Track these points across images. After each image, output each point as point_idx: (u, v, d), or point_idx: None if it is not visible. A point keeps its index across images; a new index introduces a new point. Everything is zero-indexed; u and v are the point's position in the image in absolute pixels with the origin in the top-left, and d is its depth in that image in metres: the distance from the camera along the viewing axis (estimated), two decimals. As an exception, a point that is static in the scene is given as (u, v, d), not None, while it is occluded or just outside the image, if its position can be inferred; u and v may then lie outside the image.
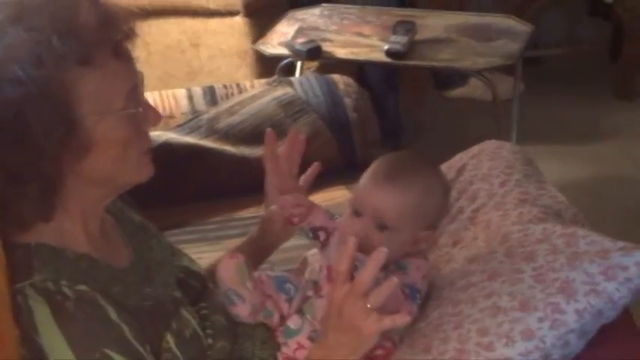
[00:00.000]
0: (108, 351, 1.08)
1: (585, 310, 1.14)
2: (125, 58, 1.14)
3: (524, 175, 1.39)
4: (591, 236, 1.19)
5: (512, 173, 1.39)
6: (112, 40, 1.12)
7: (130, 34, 1.15)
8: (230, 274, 1.22)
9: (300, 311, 1.28)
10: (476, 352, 1.14)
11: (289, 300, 1.28)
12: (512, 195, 1.35)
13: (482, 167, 1.42)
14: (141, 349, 1.11)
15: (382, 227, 1.25)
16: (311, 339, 1.26)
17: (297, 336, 1.27)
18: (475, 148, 1.48)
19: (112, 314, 1.11)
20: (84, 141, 1.10)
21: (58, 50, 1.07)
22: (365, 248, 1.20)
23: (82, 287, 1.10)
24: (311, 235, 1.36)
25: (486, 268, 1.24)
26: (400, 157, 1.36)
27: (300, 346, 1.26)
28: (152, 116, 1.18)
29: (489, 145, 1.49)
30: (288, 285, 1.28)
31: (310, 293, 1.29)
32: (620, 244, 1.17)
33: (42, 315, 1.07)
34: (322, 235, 1.35)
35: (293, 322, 1.27)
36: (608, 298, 1.14)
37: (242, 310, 1.23)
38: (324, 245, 1.34)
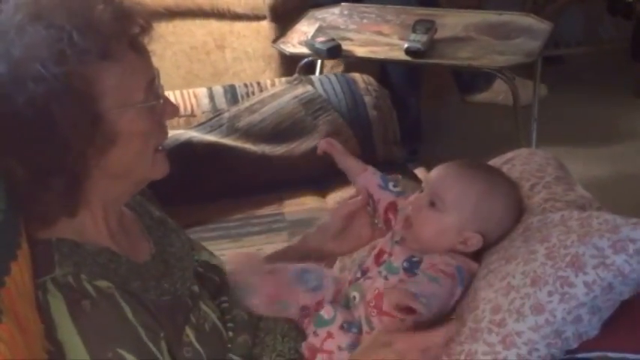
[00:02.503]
0: (121, 351, 1.08)
1: (595, 282, 1.12)
2: (142, 52, 1.15)
3: (554, 178, 1.38)
4: (605, 216, 1.19)
5: (543, 177, 1.39)
6: (128, 34, 1.13)
7: (147, 28, 1.16)
8: (238, 266, 1.24)
9: (333, 301, 1.28)
10: (488, 330, 1.16)
11: (311, 290, 1.28)
12: (539, 196, 1.35)
13: (515, 171, 1.41)
14: (155, 351, 1.11)
15: (432, 204, 1.28)
16: (343, 329, 1.26)
17: (328, 326, 1.26)
18: (509, 154, 1.48)
19: (129, 313, 1.11)
20: (108, 134, 1.11)
21: (79, 45, 1.08)
22: (414, 221, 1.28)
23: (102, 283, 1.11)
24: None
25: (505, 255, 1.24)
26: (484, 163, 1.40)
27: (330, 336, 1.26)
28: (169, 109, 1.20)
29: (522, 151, 1.49)
30: (307, 275, 1.29)
31: (358, 275, 1.30)
32: (633, 220, 1.16)
33: (58, 311, 1.08)
34: (370, 203, 1.38)
35: (326, 312, 1.27)
36: (618, 271, 1.12)
37: (255, 300, 1.24)
38: (364, 272, 1.32)
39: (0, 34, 1.10)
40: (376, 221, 1.40)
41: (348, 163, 1.41)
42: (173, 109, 1.20)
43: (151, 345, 1.11)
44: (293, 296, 1.27)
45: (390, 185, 1.40)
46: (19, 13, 1.10)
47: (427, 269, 1.23)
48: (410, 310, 1.14)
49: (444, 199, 1.28)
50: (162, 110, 1.18)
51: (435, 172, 1.32)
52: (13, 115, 1.07)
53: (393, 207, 1.37)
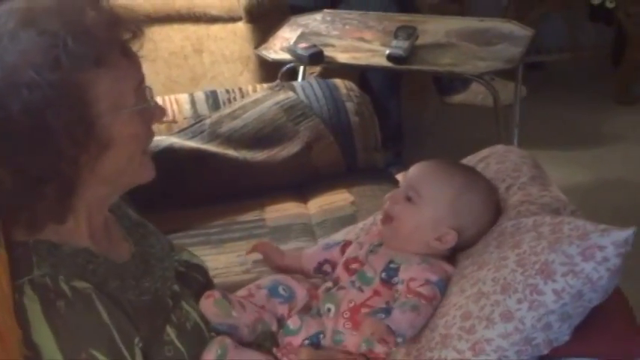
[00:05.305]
0: (95, 352, 1.10)
1: (564, 290, 1.14)
2: (132, 57, 1.17)
3: (529, 178, 1.39)
4: (576, 222, 1.20)
5: (519, 177, 1.39)
6: (120, 40, 1.16)
7: (138, 33, 1.18)
8: (213, 311, 1.25)
9: (302, 311, 1.30)
10: (458, 336, 1.17)
11: (285, 302, 1.30)
12: (514, 198, 1.36)
13: (490, 171, 1.42)
14: (127, 355, 1.13)
15: (408, 198, 1.30)
16: (311, 342, 1.27)
17: (293, 336, 1.28)
18: (484, 152, 1.49)
19: (104, 315, 1.12)
20: (102, 140, 1.13)
21: (74, 52, 1.09)
22: (389, 217, 1.31)
23: (80, 283, 1.12)
24: (320, 275, 1.39)
25: (478, 260, 1.25)
26: (461, 163, 1.43)
27: (288, 344, 1.27)
28: (158, 111, 1.22)
29: (498, 149, 1.50)
30: (280, 287, 1.31)
31: (329, 285, 1.32)
32: (602, 226, 1.17)
33: (34, 312, 1.09)
34: (328, 268, 1.39)
35: (293, 322, 1.29)
36: (587, 279, 1.13)
37: (239, 335, 1.26)
38: (335, 282, 1.34)
39: None
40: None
41: (286, 260, 1.42)
42: (161, 112, 1.23)
43: (123, 349, 1.12)
44: (272, 312, 1.29)
45: (333, 243, 1.43)
46: (11, 19, 1.11)
47: (406, 292, 1.24)
48: (384, 341, 1.17)
49: (419, 193, 1.30)
50: (151, 113, 1.20)
51: (413, 169, 1.35)
52: (7, 122, 1.08)
53: (347, 245, 1.39)
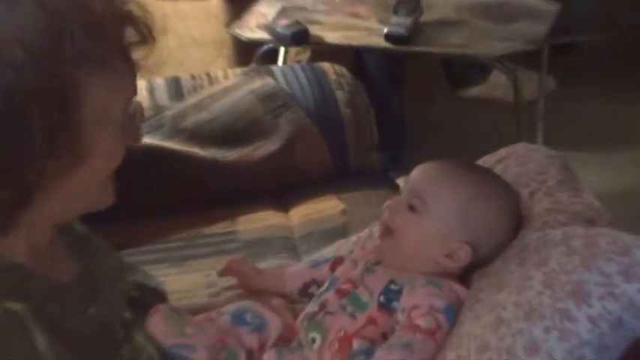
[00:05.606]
0: None
1: (601, 317, 1.12)
2: (132, 65, 1.17)
3: (558, 182, 1.40)
4: (614, 234, 1.19)
5: (545, 181, 1.40)
6: (125, 42, 1.15)
7: (147, 39, 1.18)
8: (162, 329, 1.24)
9: (279, 343, 1.28)
10: None
11: (255, 330, 1.28)
12: (540, 206, 1.36)
13: (510, 173, 1.43)
14: None
15: (411, 207, 1.31)
16: None
17: None
18: (503, 151, 1.50)
19: (41, 344, 1.11)
20: (80, 150, 1.12)
21: (80, 45, 1.08)
22: (389, 230, 1.31)
23: (12, 305, 1.11)
24: (305, 299, 1.39)
25: (496, 281, 1.25)
26: (473, 162, 1.43)
27: None
28: (136, 132, 1.22)
29: (519, 148, 1.51)
30: (248, 315, 1.30)
31: (315, 309, 1.31)
32: None
33: None
34: (315, 290, 1.39)
35: (268, 359, 1.27)
36: (629, 303, 1.12)
37: (199, 357, 1.23)
38: (322, 305, 1.33)
39: None
40: None
41: (266, 280, 1.43)
42: (138, 134, 1.23)
43: None
44: (238, 339, 1.27)
45: (321, 260, 1.44)
46: None
47: (405, 324, 1.23)
48: None
49: (424, 201, 1.30)
50: (132, 134, 1.20)
51: (416, 171, 1.34)
52: None
53: (338, 262, 1.39)
